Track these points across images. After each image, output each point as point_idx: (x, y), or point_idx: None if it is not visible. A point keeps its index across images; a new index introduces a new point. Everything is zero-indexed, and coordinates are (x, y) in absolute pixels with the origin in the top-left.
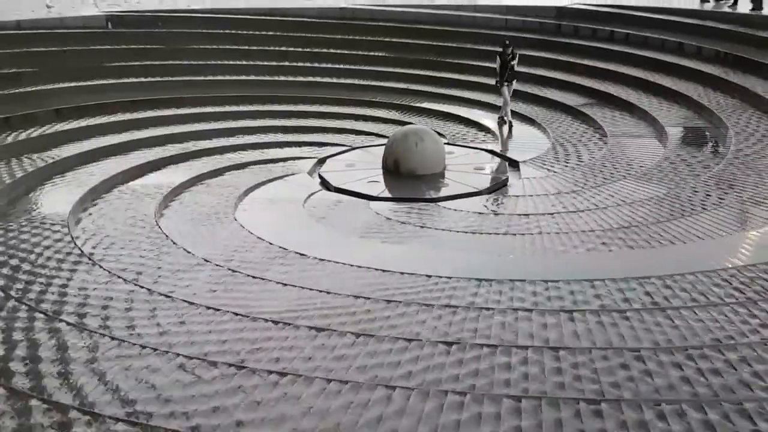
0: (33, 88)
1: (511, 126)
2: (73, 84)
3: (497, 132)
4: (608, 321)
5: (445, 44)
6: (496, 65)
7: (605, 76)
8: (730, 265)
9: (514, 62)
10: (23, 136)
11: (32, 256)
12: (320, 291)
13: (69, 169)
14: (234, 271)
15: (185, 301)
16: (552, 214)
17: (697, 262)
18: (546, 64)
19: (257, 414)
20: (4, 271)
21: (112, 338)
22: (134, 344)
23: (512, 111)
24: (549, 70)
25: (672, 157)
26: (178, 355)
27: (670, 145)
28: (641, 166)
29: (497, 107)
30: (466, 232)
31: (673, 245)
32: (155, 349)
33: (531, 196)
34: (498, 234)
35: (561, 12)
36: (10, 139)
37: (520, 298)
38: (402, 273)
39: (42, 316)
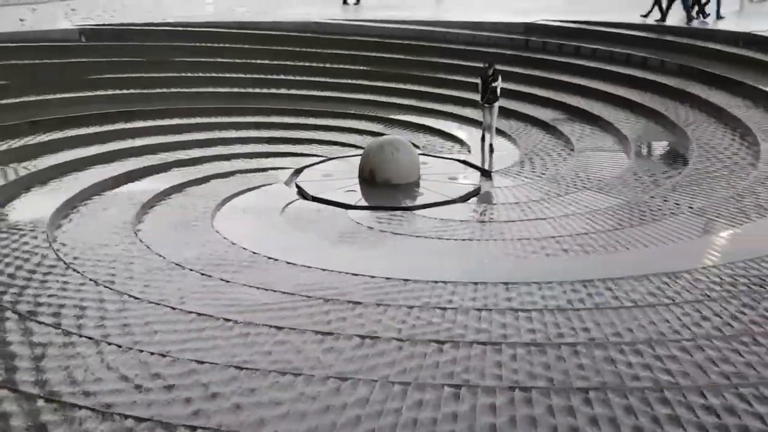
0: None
1: (491, 150)
2: (49, 96)
3: (479, 149)
4: (551, 320)
5: (418, 58)
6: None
7: (571, 90)
8: (675, 269)
9: (495, 84)
10: (3, 147)
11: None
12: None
13: (49, 178)
14: (203, 274)
15: (152, 302)
16: (515, 221)
17: (645, 267)
18: (515, 78)
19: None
20: None
21: (80, 336)
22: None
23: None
24: (518, 84)
25: (635, 168)
26: (142, 351)
27: (634, 157)
28: (605, 178)
29: (468, 119)
30: (438, 238)
31: (627, 250)
32: (119, 346)
33: (502, 204)
34: (465, 240)
35: (529, 28)
36: None
37: (473, 298)
38: (372, 276)
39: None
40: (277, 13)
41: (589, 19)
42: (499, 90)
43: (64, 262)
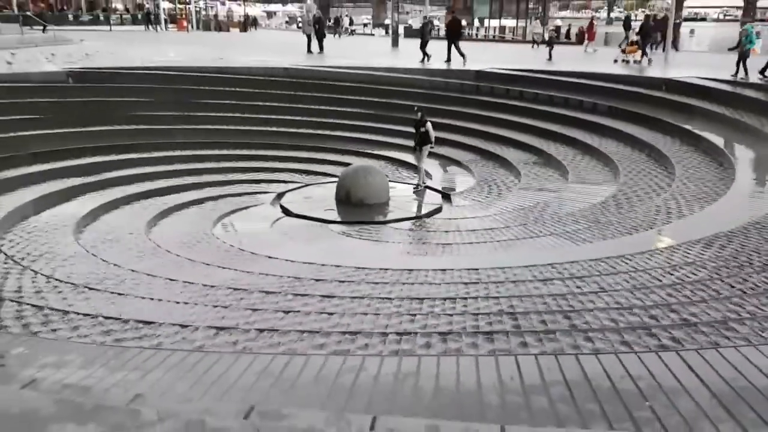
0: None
1: (424, 190)
2: (46, 131)
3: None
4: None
5: (381, 100)
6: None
7: (516, 127)
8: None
9: (423, 129)
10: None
11: None
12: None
13: (42, 209)
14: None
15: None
16: (461, 231)
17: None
18: (467, 118)
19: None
20: None
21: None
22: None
23: (446, 156)
24: (470, 123)
25: (570, 194)
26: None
27: (569, 181)
28: (540, 201)
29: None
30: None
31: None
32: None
33: (457, 219)
34: (421, 243)
35: (479, 74)
36: None
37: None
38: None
39: None
40: (249, 59)
41: (532, 67)
42: (431, 134)
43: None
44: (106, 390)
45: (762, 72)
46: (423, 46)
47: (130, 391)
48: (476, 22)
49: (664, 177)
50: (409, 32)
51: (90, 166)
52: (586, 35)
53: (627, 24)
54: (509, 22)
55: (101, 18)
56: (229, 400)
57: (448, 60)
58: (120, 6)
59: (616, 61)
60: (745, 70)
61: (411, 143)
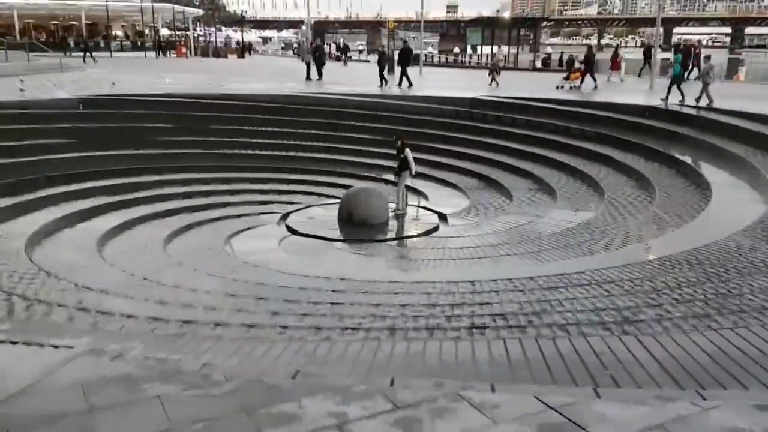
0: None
1: (404, 215)
2: (61, 155)
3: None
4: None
5: (380, 126)
6: None
7: (508, 152)
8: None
9: (403, 155)
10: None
11: None
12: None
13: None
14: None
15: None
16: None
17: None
18: (461, 143)
19: None
20: None
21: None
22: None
23: (441, 179)
24: (465, 147)
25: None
26: None
27: (558, 202)
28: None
29: (423, 175)
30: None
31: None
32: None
33: (452, 237)
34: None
35: (473, 102)
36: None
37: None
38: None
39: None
40: (251, 86)
41: (522, 95)
42: (410, 162)
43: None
44: (179, 360)
45: (696, 100)
46: (381, 71)
47: (199, 360)
48: (469, 49)
49: (643, 199)
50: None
51: (104, 188)
52: (611, 64)
53: (648, 52)
54: (503, 50)
55: (102, 44)
56: (276, 369)
57: (399, 84)
58: (120, 33)
59: (558, 87)
60: (681, 93)
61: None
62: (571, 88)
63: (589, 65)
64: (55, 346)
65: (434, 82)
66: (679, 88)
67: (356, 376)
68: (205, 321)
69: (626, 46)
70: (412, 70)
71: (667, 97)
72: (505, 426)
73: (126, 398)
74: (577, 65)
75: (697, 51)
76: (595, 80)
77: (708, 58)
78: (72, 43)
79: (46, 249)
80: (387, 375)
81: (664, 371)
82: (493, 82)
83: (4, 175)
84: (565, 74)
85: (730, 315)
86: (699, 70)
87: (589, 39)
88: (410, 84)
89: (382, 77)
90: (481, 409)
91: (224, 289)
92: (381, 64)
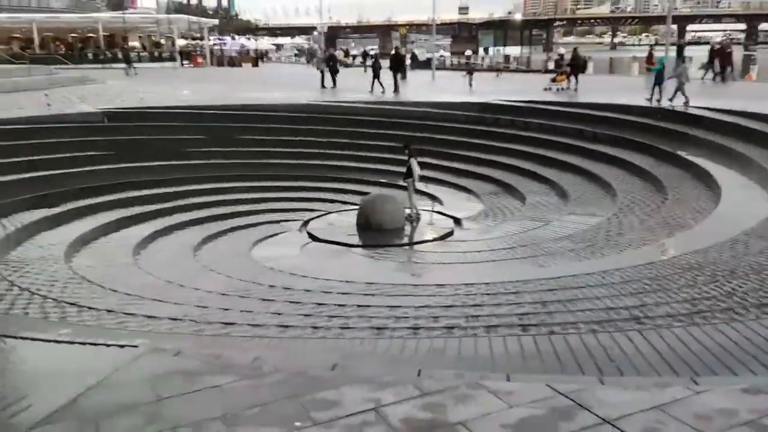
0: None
1: (417, 220)
2: (90, 168)
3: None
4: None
5: (393, 132)
6: None
7: (521, 156)
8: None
9: (409, 162)
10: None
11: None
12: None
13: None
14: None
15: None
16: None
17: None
18: (476, 148)
19: None
20: None
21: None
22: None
23: (455, 184)
24: (479, 152)
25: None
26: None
27: (571, 205)
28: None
29: (436, 179)
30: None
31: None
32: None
33: (465, 241)
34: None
35: (485, 106)
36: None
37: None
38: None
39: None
40: (268, 95)
41: (533, 98)
42: (415, 168)
43: None
44: (230, 356)
45: (670, 99)
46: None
47: (248, 354)
48: (481, 51)
49: (656, 200)
50: (415, 63)
51: (135, 199)
52: (646, 66)
53: (680, 51)
54: (515, 50)
55: (120, 56)
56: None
57: (396, 90)
58: (137, 44)
59: (546, 89)
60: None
61: (424, 173)
62: (558, 90)
63: (575, 67)
64: (121, 346)
65: (444, 87)
66: (659, 87)
67: (386, 369)
68: (242, 322)
69: (640, 44)
70: (424, 74)
71: (653, 96)
72: (519, 409)
73: (189, 388)
74: (566, 68)
75: (729, 50)
76: (577, 82)
77: (683, 60)
78: (90, 56)
79: (84, 258)
80: (413, 368)
81: (664, 361)
82: (469, 84)
83: (38, 188)
84: (552, 76)
85: (728, 311)
86: (732, 69)
87: (602, 37)
88: (395, 89)
89: (379, 83)
90: (497, 395)
91: (256, 294)
92: (375, 71)
